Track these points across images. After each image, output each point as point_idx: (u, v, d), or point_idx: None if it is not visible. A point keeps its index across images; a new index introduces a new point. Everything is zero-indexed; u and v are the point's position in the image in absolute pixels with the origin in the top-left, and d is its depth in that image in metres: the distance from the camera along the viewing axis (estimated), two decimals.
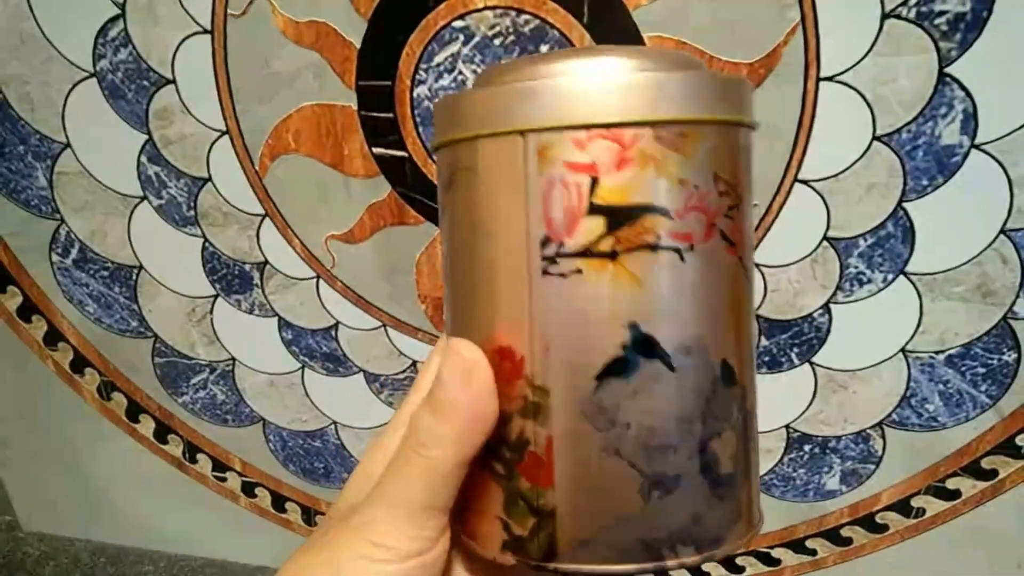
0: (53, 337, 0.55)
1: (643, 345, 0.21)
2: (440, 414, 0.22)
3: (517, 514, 0.22)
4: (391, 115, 0.41)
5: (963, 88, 0.36)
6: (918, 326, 0.41)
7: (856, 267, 0.40)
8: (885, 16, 0.35)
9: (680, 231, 0.21)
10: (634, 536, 0.21)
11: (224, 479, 0.57)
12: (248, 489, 0.57)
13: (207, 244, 0.48)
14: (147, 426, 0.57)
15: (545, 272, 0.21)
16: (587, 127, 0.20)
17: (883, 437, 0.44)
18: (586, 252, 0.21)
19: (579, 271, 0.21)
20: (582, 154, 0.21)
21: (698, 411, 0.21)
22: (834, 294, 0.41)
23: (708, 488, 0.21)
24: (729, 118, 0.22)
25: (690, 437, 0.21)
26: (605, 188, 0.20)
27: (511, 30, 0.38)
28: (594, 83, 0.21)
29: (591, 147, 0.20)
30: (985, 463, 0.43)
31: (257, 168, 0.45)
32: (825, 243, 0.40)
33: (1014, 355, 0.40)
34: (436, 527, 0.23)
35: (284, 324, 0.50)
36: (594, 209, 0.20)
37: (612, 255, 0.20)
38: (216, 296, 0.50)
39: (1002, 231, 0.38)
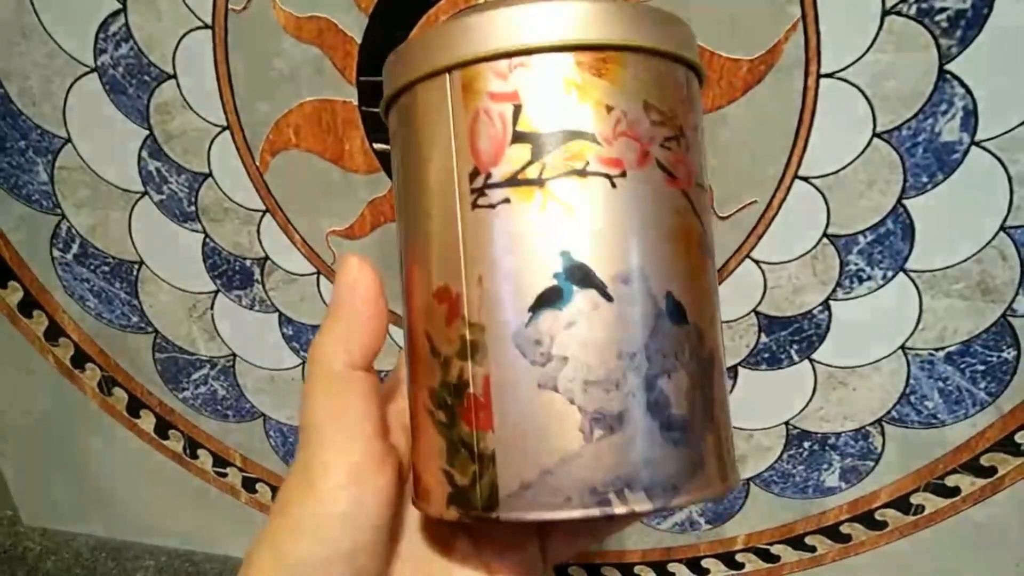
0: (54, 332, 0.55)
1: (577, 273, 0.20)
2: (327, 315, 0.24)
3: (459, 462, 0.21)
4: None
5: (963, 85, 0.36)
6: (918, 323, 0.41)
7: (856, 264, 0.40)
8: (886, 13, 0.35)
9: (608, 156, 0.20)
10: (578, 478, 0.20)
11: (225, 474, 0.57)
12: (249, 485, 0.57)
13: (208, 239, 0.48)
14: (148, 421, 0.57)
15: (475, 205, 0.21)
16: (508, 55, 0.20)
17: (882, 434, 0.44)
18: (513, 180, 0.20)
19: (507, 200, 0.20)
20: (504, 84, 0.20)
21: (640, 344, 0.20)
22: (834, 291, 0.41)
23: (658, 430, 0.20)
24: (656, 47, 0.21)
25: (633, 373, 0.20)
26: (528, 116, 0.20)
27: None
28: (515, 14, 0.21)
29: (512, 76, 0.20)
30: (984, 460, 0.43)
31: (258, 163, 0.45)
32: (825, 240, 0.40)
33: (1013, 352, 0.40)
34: (359, 449, 0.22)
35: (285, 320, 0.50)
36: (518, 137, 0.20)
37: (539, 182, 0.20)
38: (217, 292, 0.50)
39: (1002, 228, 0.38)
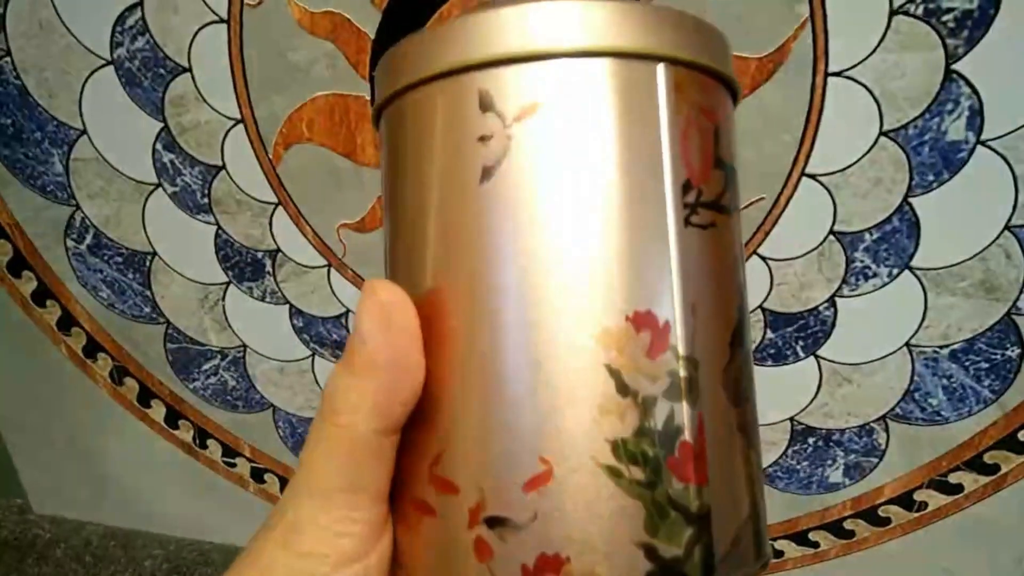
0: (67, 322, 0.55)
1: (746, 310, 0.19)
2: (353, 369, 0.18)
3: (668, 529, 0.17)
4: None
5: (969, 85, 0.36)
6: (922, 321, 0.41)
7: (862, 261, 0.40)
8: (893, 13, 0.35)
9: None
10: (758, 529, 0.18)
11: (234, 465, 0.58)
12: (257, 475, 0.58)
13: (220, 231, 0.49)
14: (158, 411, 0.57)
15: (687, 222, 0.18)
16: (718, 74, 0.19)
17: (886, 431, 0.44)
18: (716, 204, 0.18)
19: (713, 225, 0.18)
20: (708, 99, 0.19)
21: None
22: (839, 288, 0.41)
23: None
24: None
25: None
26: (723, 141, 0.19)
27: None
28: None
29: (714, 95, 0.19)
30: (987, 458, 0.43)
31: (271, 157, 0.45)
32: (831, 237, 0.40)
33: (1017, 350, 0.40)
34: (367, 517, 0.19)
35: (295, 312, 0.50)
36: (717, 162, 0.19)
37: (730, 212, 0.19)
38: (228, 283, 0.51)
39: (1007, 227, 0.38)
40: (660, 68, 0.18)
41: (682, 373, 0.17)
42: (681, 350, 0.17)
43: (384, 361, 0.18)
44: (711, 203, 0.18)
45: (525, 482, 0.17)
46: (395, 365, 0.18)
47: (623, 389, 0.17)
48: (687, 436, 0.17)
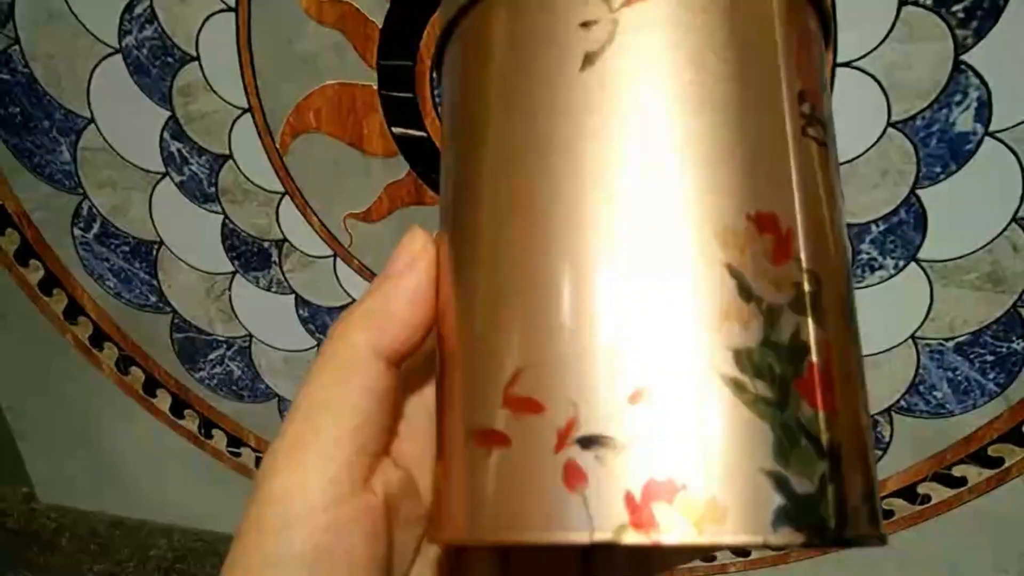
0: (73, 311, 0.56)
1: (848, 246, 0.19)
2: (370, 289, 0.19)
3: (800, 459, 0.14)
4: (411, 95, 0.42)
5: (978, 76, 0.36)
6: (928, 313, 0.41)
7: (868, 253, 0.40)
8: (902, 3, 0.35)
9: None
10: (876, 497, 0.16)
11: (239, 454, 0.58)
12: None
13: (227, 221, 0.49)
14: (164, 401, 0.57)
15: (804, 132, 0.17)
16: None
17: (891, 423, 0.44)
18: (826, 123, 0.17)
19: (825, 145, 0.17)
20: (814, 25, 0.18)
21: None
22: None
23: None
24: None
25: None
26: (825, 71, 0.18)
27: None
28: None
29: (817, 25, 0.18)
30: (992, 451, 0.43)
31: (278, 146, 0.45)
32: None
33: (1023, 344, 0.40)
34: (345, 457, 0.17)
35: (301, 301, 0.50)
36: (823, 85, 0.18)
37: (833, 139, 0.18)
38: (235, 273, 0.51)
39: (1014, 219, 0.38)
40: None
41: (807, 287, 0.15)
42: (804, 262, 0.16)
43: (398, 285, 0.18)
44: (823, 120, 0.17)
45: (631, 393, 0.14)
46: (408, 290, 0.18)
47: (746, 293, 0.15)
48: (814, 357, 0.15)
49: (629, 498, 0.14)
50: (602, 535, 0.14)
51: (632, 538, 0.14)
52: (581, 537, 0.14)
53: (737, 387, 0.14)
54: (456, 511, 0.16)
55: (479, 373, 0.16)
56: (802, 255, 0.16)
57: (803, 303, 0.15)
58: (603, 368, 0.15)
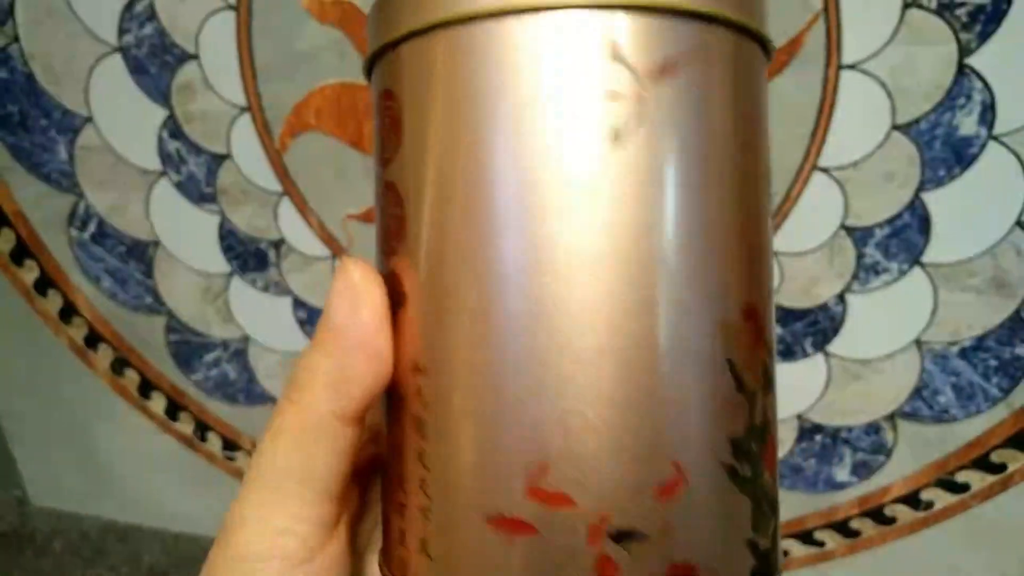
0: (68, 312, 0.55)
1: None
2: (319, 348, 0.17)
3: (764, 523, 0.17)
4: None
5: (981, 79, 0.36)
6: (932, 317, 0.41)
7: (872, 256, 0.40)
8: (906, 6, 0.35)
9: None
10: None
11: (233, 458, 0.57)
12: None
13: (224, 221, 0.48)
14: (158, 403, 0.57)
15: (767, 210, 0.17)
16: None
17: (894, 428, 0.44)
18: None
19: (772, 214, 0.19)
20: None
21: None
22: (850, 283, 0.41)
23: None
24: None
25: None
26: None
27: None
28: None
29: None
30: (995, 457, 0.43)
31: (277, 145, 0.45)
32: (842, 232, 0.40)
33: None
34: (315, 514, 0.17)
35: (298, 303, 0.50)
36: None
37: None
38: (232, 274, 0.50)
39: (1017, 223, 0.38)
40: (759, 49, 0.17)
41: (769, 366, 0.17)
42: (768, 343, 0.17)
43: (346, 341, 0.17)
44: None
45: (658, 490, 0.16)
46: (359, 345, 0.17)
47: (740, 384, 0.16)
48: (772, 428, 0.17)
49: None
50: None
51: None
52: None
53: (731, 473, 0.16)
54: None
55: (500, 456, 0.16)
56: (768, 337, 0.17)
57: (768, 383, 0.17)
58: (632, 464, 0.15)
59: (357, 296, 0.17)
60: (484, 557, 0.16)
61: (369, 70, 0.18)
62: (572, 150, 0.15)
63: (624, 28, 0.15)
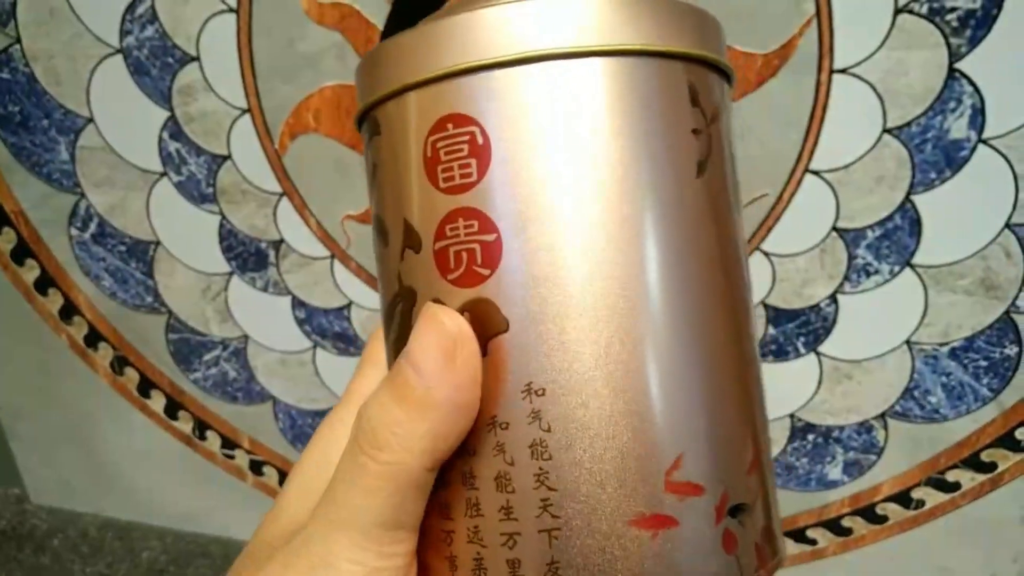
0: (68, 311, 0.55)
1: None
2: (406, 403, 0.17)
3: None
4: None
5: (972, 84, 0.36)
6: (923, 318, 0.41)
7: (864, 258, 0.41)
8: (898, 11, 0.36)
9: None
10: None
11: (232, 456, 0.58)
12: (256, 467, 0.58)
13: (224, 221, 0.49)
14: (158, 402, 0.57)
15: None
16: None
17: (885, 428, 0.45)
18: None
19: None
20: None
21: None
22: (841, 284, 0.42)
23: None
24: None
25: None
26: None
27: None
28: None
29: None
30: (985, 456, 0.44)
31: (277, 147, 0.45)
32: (834, 233, 0.41)
33: (1015, 349, 0.41)
34: (404, 552, 0.18)
35: (297, 303, 0.50)
36: None
37: None
38: (231, 273, 0.51)
39: (1007, 225, 0.38)
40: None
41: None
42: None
43: (442, 400, 0.16)
44: None
45: (748, 465, 0.18)
46: (453, 405, 0.16)
47: None
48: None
49: (758, 548, 0.18)
50: None
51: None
52: None
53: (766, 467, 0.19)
54: None
55: (641, 461, 0.17)
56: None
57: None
58: (742, 447, 0.18)
59: (454, 350, 0.16)
60: (629, 560, 0.17)
61: (372, 109, 0.19)
62: (669, 178, 0.17)
63: (696, 74, 0.18)
